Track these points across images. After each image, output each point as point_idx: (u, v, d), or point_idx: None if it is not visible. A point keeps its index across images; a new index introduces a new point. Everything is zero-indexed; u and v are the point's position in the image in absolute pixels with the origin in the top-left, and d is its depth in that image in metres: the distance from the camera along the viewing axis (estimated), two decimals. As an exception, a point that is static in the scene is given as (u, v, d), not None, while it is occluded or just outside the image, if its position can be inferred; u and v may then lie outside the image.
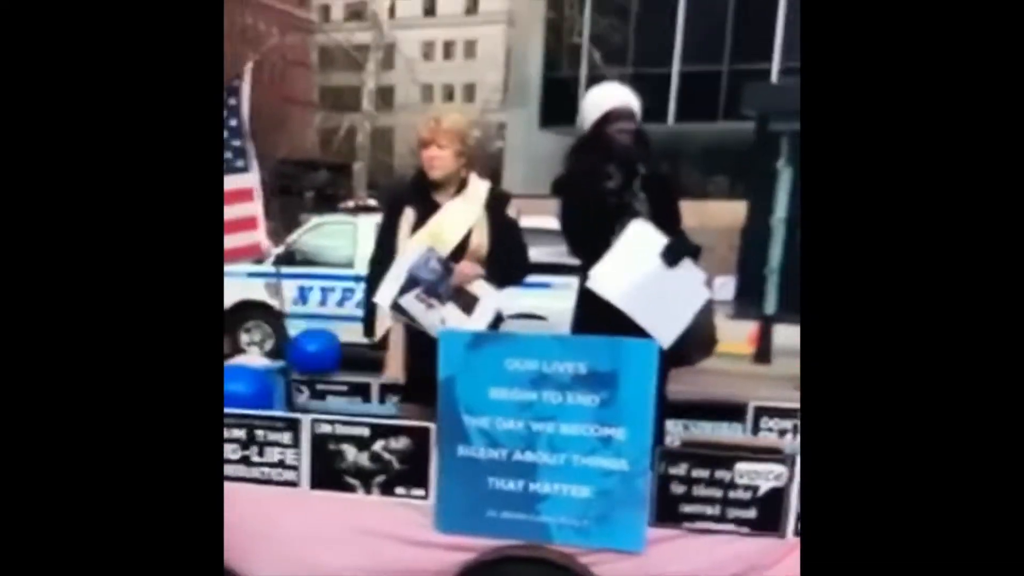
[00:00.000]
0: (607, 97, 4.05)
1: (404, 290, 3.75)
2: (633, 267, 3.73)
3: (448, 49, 60.70)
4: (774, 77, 23.51)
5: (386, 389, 4.47)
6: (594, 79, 20.15)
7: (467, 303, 3.81)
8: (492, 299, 3.87)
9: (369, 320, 4.01)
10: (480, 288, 3.85)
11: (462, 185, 3.95)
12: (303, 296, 11.12)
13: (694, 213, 4.03)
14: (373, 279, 3.95)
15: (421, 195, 3.96)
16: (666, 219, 3.90)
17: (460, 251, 3.87)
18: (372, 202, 11.52)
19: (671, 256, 3.73)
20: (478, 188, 3.98)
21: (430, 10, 60.43)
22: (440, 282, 3.76)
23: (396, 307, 3.78)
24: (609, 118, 3.97)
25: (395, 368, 3.94)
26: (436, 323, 3.72)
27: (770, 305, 13.66)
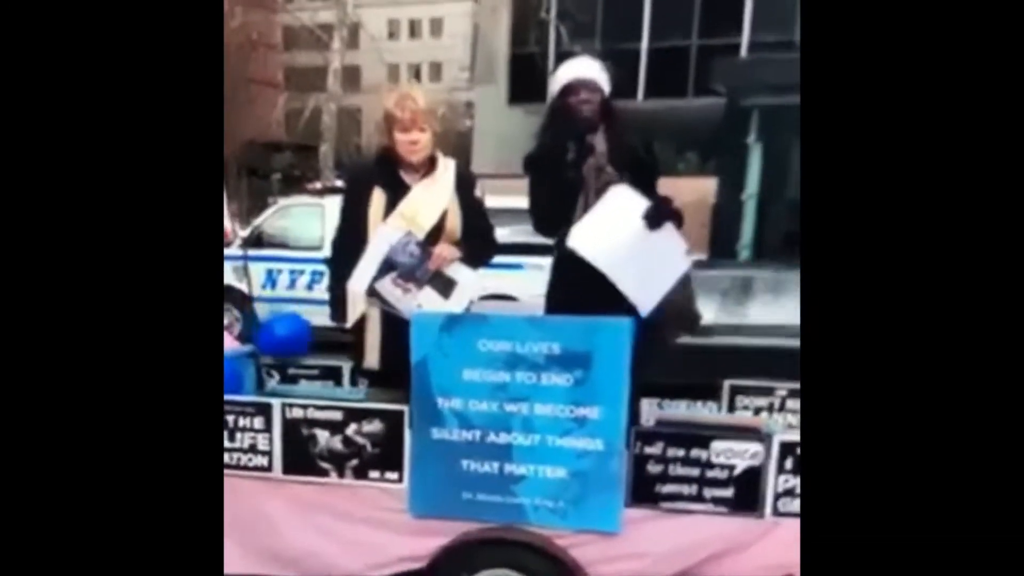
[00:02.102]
0: (568, 70, 4.00)
1: (380, 274, 3.70)
2: (614, 229, 3.66)
3: (414, 27, 60.39)
4: (743, 52, 23.50)
5: (358, 373, 4.42)
6: (562, 55, 20.10)
7: (445, 286, 3.77)
8: (470, 282, 3.83)
9: (338, 304, 3.94)
10: (457, 271, 3.82)
11: (431, 166, 3.88)
12: (271, 279, 11.07)
13: (665, 190, 3.98)
14: (340, 262, 3.90)
15: (390, 176, 3.86)
16: (641, 192, 3.85)
17: (434, 233, 3.81)
18: (339, 183, 11.49)
19: (654, 218, 3.67)
20: (447, 168, 3.91)
21: (394, -12, 60.11)
22: (418, 266, 3.72)
23: (372, 292, 3.73)
24: (568, 90, 3.91)
25: (372, 354, 3.87)
26: (413, 307, 3.67)
27: (742, 281, 13.72)
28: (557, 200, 3.82)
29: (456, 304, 3.78)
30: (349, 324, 3.86)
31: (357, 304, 3.83)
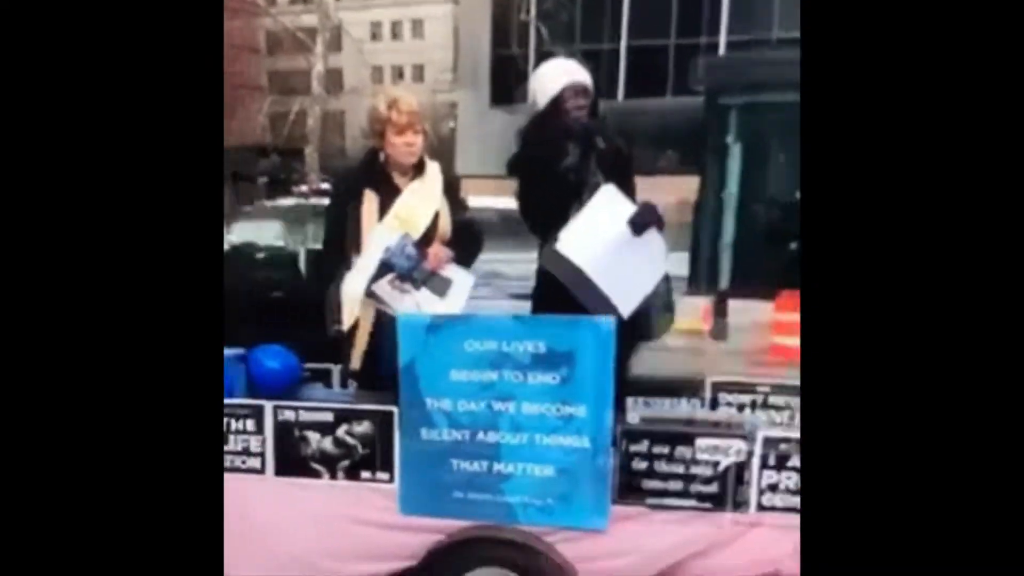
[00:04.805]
0: (562, 73, 4.03)
1: (376, 276, 3.73)
2: (600, 232, 3.69)
3: (395, 29, 60.17)
4: (722, 50, 23.57)
5: (347, 375, 4.45)
6: (542, 56, 20.11)
7: (440, 287, 3.80)
8: (465, 282, 3.87)
9: (331, 306, 3.90)
10: (452, 271, 3.86)
11: (420, 167, 3.92)
12: None
13: (646, 188, 4.03)
14: (331, 264, 3.92)
15: (380, 178, 3.89)
16: (625, 193, 3.89)
17: (427, 235, 3.85)
18: (326, 186, 11.46)
19: (638, 223, 3.71)
20: (434, 170, 3.96)
21: (375, -10, 59.92)
22: (415, 267, 3.74)
23: (370, 293, 3.76)
24: (565, 94, 3.96)
25: (363, 356, 3.89)
26: (410, 308, 3.70)
27: (724, 280, 13.73)
28: (555, 202, 3.85)
29: (453, 304, 3.81)
30: (345, 327, 3.88)
31: (354, 306, 3.84)
